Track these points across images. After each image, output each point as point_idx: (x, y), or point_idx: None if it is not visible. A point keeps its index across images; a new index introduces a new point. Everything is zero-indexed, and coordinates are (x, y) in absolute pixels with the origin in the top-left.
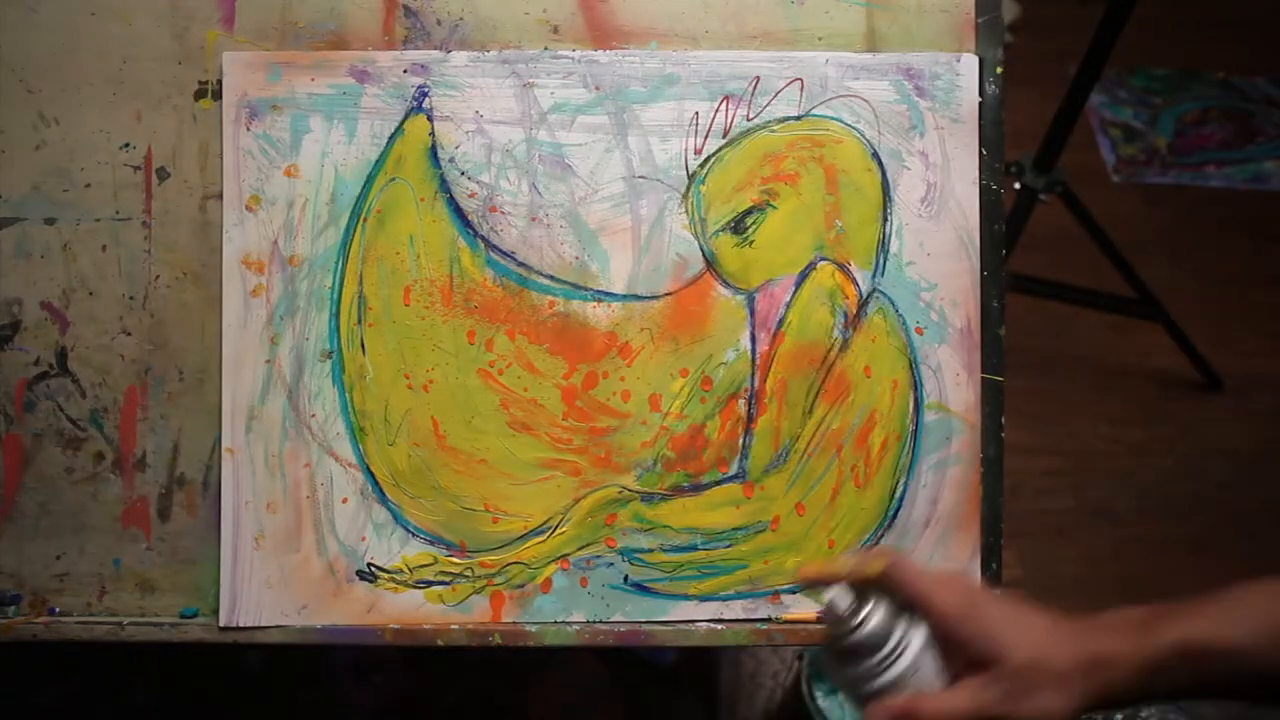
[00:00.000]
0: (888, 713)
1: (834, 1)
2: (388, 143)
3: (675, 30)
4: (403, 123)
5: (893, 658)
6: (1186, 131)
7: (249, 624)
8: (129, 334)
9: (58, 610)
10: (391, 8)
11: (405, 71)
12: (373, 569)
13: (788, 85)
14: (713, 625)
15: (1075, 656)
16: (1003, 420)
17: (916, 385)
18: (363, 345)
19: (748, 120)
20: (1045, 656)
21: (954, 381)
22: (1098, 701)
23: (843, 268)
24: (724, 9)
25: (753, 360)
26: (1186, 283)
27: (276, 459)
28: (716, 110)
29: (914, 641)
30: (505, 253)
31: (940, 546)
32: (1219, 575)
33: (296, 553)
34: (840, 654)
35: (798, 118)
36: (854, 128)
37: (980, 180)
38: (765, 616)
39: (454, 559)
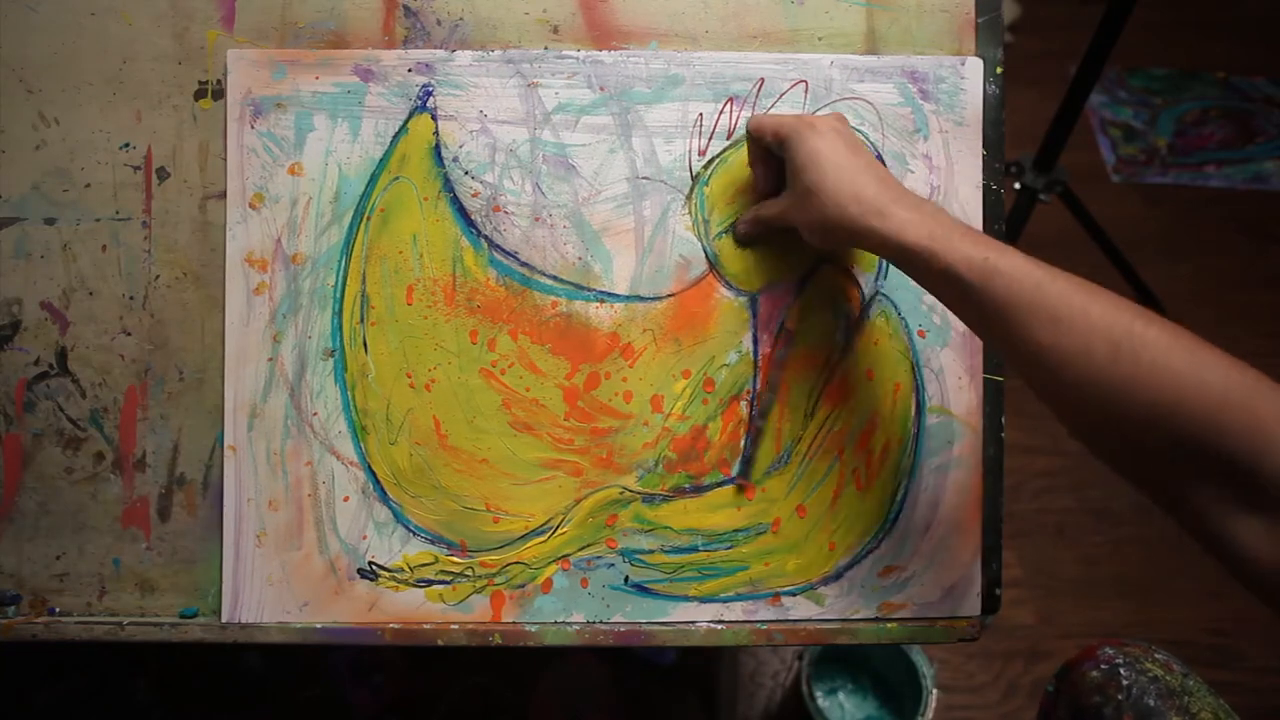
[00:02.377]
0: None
1: (834, 1)
2: (391, 141)
3: (675, 30)
4: (406, 121)
5: None
6: (1186, 131)
7: (251, 620)
8: (129, 334)
9: (57, 610)
10: (391, 8)
11: (410, 70)
12: (374, 567)
13: (792, 87)
14: (713, 625)
15: (845, 209)
16: (1003, 420)
17: (918, 388)
18: (365, 344)
19: None
20: (829, 191)
21: (956, 385)
22: (844, 244)
23: (845, 270)
24: (724, 9)
25: (755, 362)
26: (1186, 283)
27: (278, 457)
28: (720, 111)
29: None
30: (508, 252)
31: (941, 549)
32: (1219, 575)
33: (298, 550)
34: None
35: None
36: (858, 130)
37: (981, 180)
38: (766, 618)
39: (455, 558)
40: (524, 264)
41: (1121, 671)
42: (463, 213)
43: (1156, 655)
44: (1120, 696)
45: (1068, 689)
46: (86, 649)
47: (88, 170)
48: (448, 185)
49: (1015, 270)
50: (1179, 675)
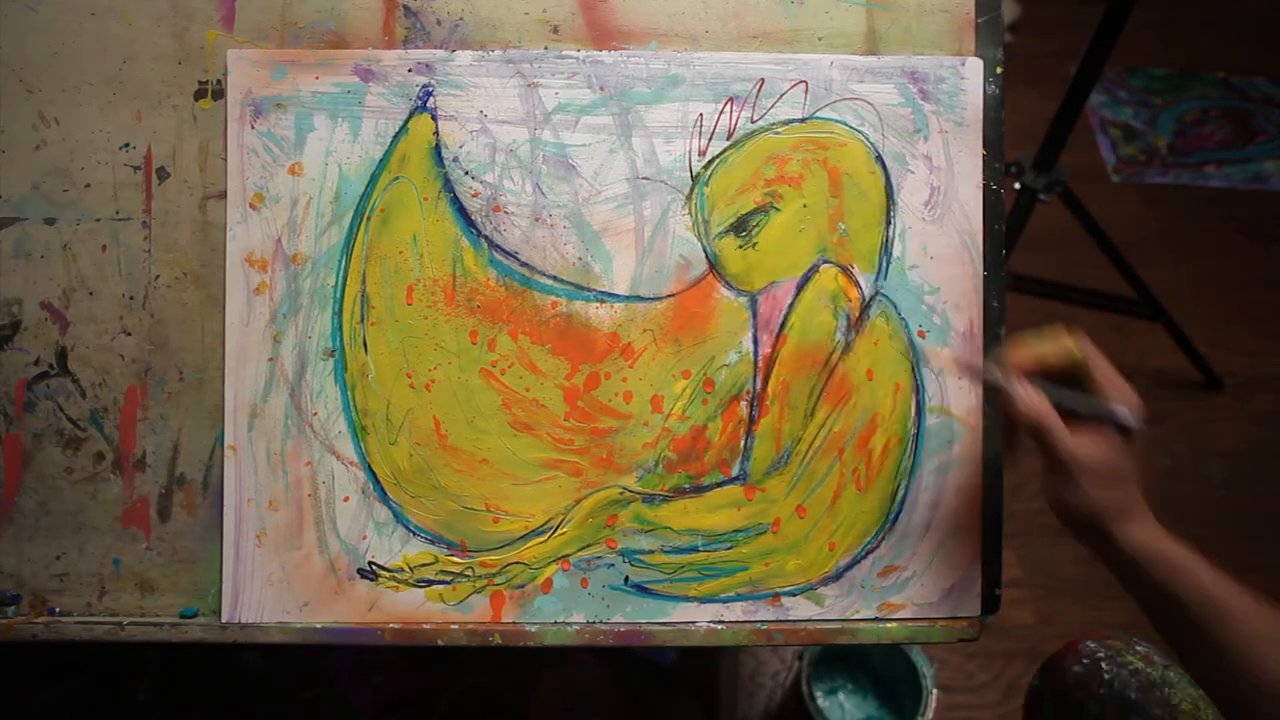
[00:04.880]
0: (1028, 399)
1: (834, 1)
2: (391, 141)
3: (675, 30)
4: (407, 121)
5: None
6: (1186, 131)
7: (251, 620)
8: (129, 334)
9: (57, 610)
10: (391, 8)
11: (410, 70)
12: (374, 567)
13: (792, 87)
14: (713, 625)
15: (1125, 503)
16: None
17: (918, 388)
18: (365, 344)
19: (752, 122)
20: (1123, 482)
21: (956, 385)
22: (1087, 530)
23: (845, 270)
24: (724, 8)
25: (755, 362)
26: (1186, 283)
27: (279, 457)
28: (721, 112)
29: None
30: (508, 253)
31: (941, 549)
32: None
33: (298, 550)
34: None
35: (802, 120)
36: (858, 130)
37: (981, 180)
38: (766, 618)
39: (455, 558)
40: (524, 264)
41: (1103, 665)
42: (463, 213)
43: (1138, 647)
44: (1102, 691)
45: (1051, 684)
46: (86, 649)
47: (88, 170)
48: (448, 185)
49: (1269, 609)
50: (1159, 667)
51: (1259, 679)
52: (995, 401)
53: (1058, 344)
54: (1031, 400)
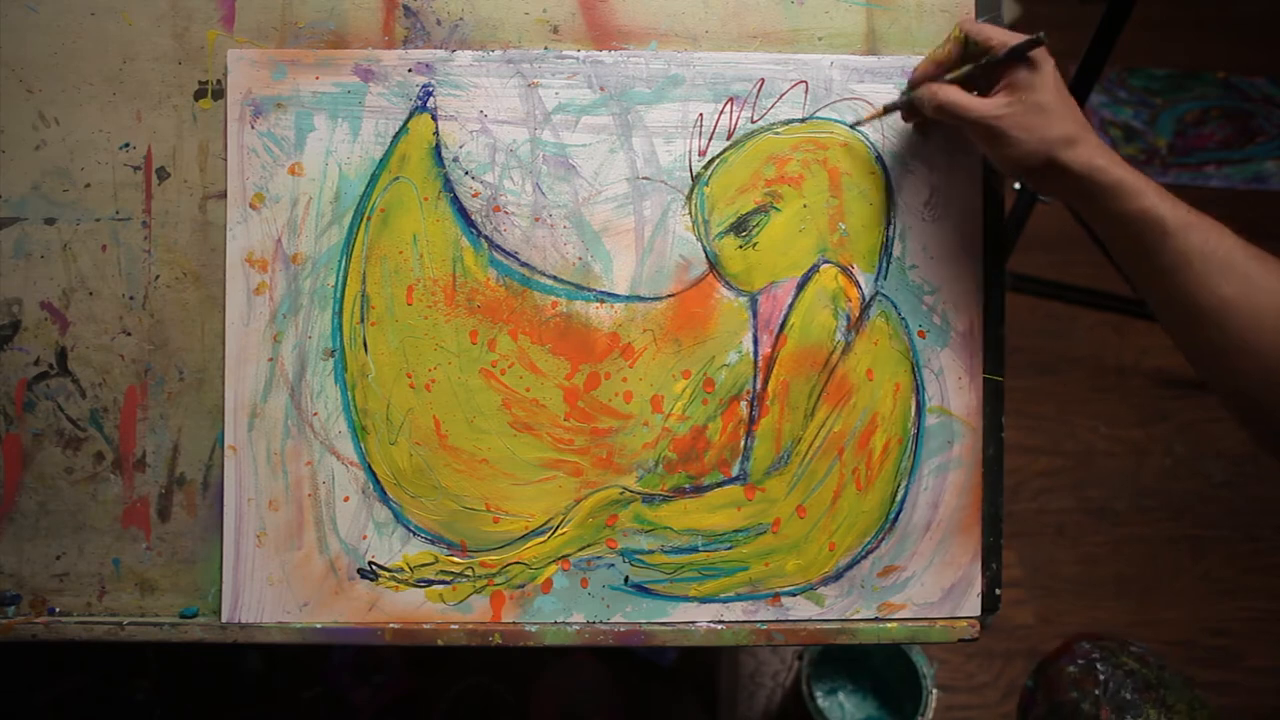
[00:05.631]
0: (930, 90)
1: (834, 1)
2: (392, 141)
3: (675, 30)
4: (407, 121)
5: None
6: (1186, 131)
7: (251, 620)
8: (129, 334)
9: (57, 610)
10: (391, 8)
11: (410, 70)
12: (374, 567)
13: (792, 87)
14: (713, 625)
15: (1071, 133)
16: (1002, 420)
17: (918, 388)
18: (365, 344)
19: (752, 122)
20: (1060, 115)
21: (956, 385)
22: (1045, 173)
23: (845, 270)
24: (724, 9)
25: (755, 362)
26: None
27: (279, 457)
28: (721, 112)
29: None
30: (508, 253)
31: (941, 549)
32: (1219, 575)
33: (298, 550)
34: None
35: (802, 120)
36: (858, 131)
37: (981, 180)
38: (766, 618)
39: (455, 558)
40: (524, 264)
41: (1098, 666)
42: (463, 213)
43: (1133, 649)
44: (1097, 691)
45: (1045, 684)
46: (86, 649)
47: (88, 170)
48: (448, 185)
49: (1212, 227)
50: (1155, 668)
51: (1196, 296)
52: (912, 117)
53: (942, 41)
54: (930, 89)
